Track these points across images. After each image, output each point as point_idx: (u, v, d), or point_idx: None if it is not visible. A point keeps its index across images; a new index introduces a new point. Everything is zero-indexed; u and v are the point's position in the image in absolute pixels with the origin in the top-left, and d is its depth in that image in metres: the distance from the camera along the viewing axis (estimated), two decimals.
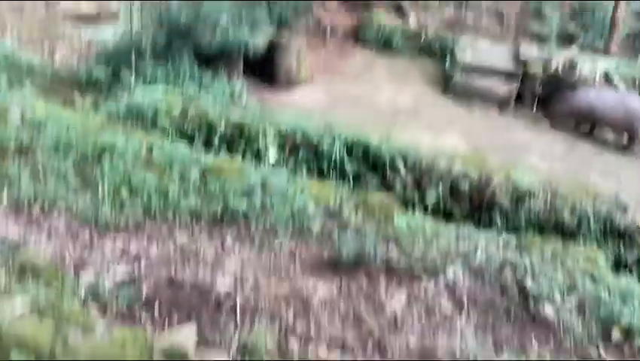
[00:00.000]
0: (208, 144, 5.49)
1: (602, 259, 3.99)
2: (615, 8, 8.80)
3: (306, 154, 5.74)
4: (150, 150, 4.72)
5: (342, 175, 5.64)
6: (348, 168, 5.71)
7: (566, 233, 4.97)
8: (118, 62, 6.86)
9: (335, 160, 5.72)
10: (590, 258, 3.96)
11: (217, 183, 4.35)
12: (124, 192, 4.16)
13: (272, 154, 5.71)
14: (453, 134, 6.65)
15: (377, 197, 4.79)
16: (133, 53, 6.70)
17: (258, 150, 5.55)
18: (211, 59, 6.83)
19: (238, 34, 6.69)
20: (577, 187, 5.50)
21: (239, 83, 6.97)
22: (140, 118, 5.67)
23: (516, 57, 8.01)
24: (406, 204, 5.18)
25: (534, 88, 7.57)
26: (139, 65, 6.71)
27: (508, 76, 7.74)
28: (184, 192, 4.27)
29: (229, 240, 3.93)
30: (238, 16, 6.85)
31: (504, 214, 5.25)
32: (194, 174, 4.46)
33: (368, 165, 5.82)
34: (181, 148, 4.84)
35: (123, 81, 6.57)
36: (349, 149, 5.81)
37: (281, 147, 5.63)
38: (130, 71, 6.64)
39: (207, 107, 5.86)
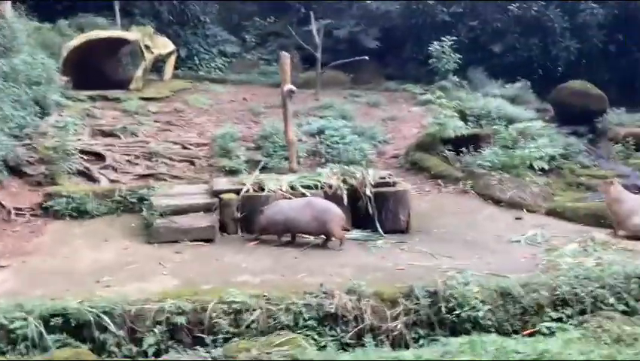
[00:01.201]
0: None
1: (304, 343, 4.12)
2: (286, 133, 9.83)
3: None
4: None
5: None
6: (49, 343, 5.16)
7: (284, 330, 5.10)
8: None
9: (32, 338, 5.13)
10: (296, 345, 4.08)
11: None
12: None
13: None
14: (163, 276, 6.47)
15: None
16: None
17: None
18: None
19: None
20: (286, 290, 5.72)
21: None
22: None
23: (211, 192, 8.35)
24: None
25: (232, 214, 7.90)
26: None
27: (206, 210, 7.97)
28: None
29: None
30: None
31: (224, 333, 5.23)
32: None
33: (74, 333, 5.34)
34: None
35: None
36: (47, 322, 5.27)
37: None
38: None
39: None
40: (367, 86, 16.75)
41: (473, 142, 11.07)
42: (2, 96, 9.51)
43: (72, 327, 5.28)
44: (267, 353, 4.43)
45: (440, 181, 10.36)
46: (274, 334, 4.94)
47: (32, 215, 8.47)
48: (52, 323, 5.22)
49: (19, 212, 8.43)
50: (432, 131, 11.21)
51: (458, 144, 11.03)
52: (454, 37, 15.00)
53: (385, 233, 8.01)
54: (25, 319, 5.14)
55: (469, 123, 12.09)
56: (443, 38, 14.77)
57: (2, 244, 7.48)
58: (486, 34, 17.59)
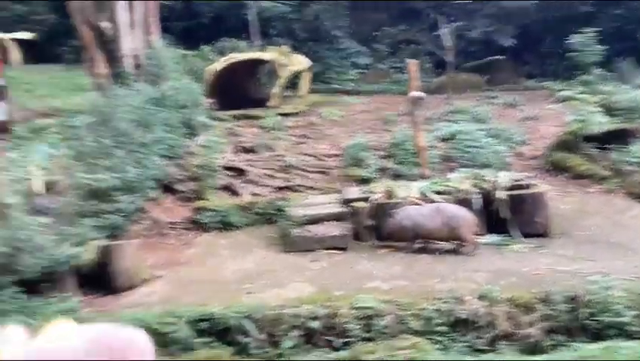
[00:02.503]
0: None
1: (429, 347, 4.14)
2: (415, 139, 9.85)
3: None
4: None
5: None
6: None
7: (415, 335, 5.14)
8: None
9: (182, 341, 5.62)
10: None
11: None
12: None
13: None
14: (299, 283, 6.77)
15: None
16: None
17: None
18: (39, 282, 6.62)
19: (59, 254, 6.63)
20: (417, 296, 5.76)
21: (74, 299, 6.75)
22: None
23: (343, 201, 8.58)
24: None
25: (364, 222, 8.06)
26: None
27: (339, 219, 8.21)
28: None
29: None
30: (60, 235, 6.85)
31: (355, 337, 5.37)
32: None
33: (219, 337, 5.77)
34: None
35: None
36: (195, 326, 5.75)
37: None
38: None
39: None
40: (503, 86, 16.24)
41: (620, 138, 10.33)
42: (155, 121, 10.46)
43: (218, 331, 5.72)
44: (391, 355, 4.52)
45: (583, 181, 9.80)
46: (399, 338, 5.01)
47: (183, 228, 9.22)
48: (200, 327, 5.69)
49: (173, 226, 9.21)
50: (573, 129, 10.64)
51: (603, 140, 10.35)
52: (596, 29, 14.11)
53: (521, 237, 7.74)
54: (176, 323, 5.65)
55: (615, 118, 11.31)
56: (584, 30, 13.95)
57: (158, 256, 8.21)
58: (632, 23, 16.35)
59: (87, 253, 7.08)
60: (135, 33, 12.06)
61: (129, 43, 11.95)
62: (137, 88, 11.02)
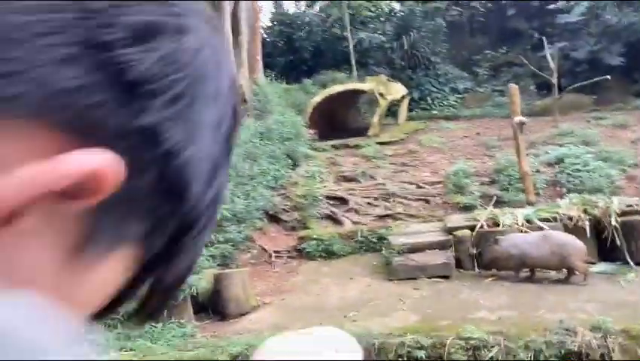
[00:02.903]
0: None
1: None
2: (520, 164, 9.66)
3: None
4: None
5: None
6: None
7: None
8: None
9: None
10: None
11: None
12: None
13: None
14: (402, 311, 6.81)
15: None
16: None
17: None
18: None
19: None
20: (525, 327, 5.66)
21: (190, 324, 7.15)
22: None
23: (445, 229, 8.55)
24: None
25: (467, 250, 7.99)
26: None
27: (441, 247, 8.19)
28: None
29: None
30: None
31: None
32: None
33: None
34: None
35: None
36: None
37: None
38: None
39: None
40: (612, 107, 15.55)
41: None
42: (260, 153, 10.95)
43: None
44: None
45: None
46: None
47: (288, 257, 9.52)
48: None
49: (278, 255, 9.54)
50: None
51: None
52: None
53: (636, 265, 7.37)
54: None
55: None
56: None
57: (265, 284, 8.54)
58: None
59: (202, 281, 7.49)
60: (241, 71, 12.71)
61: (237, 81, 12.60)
62: (243, 123, 11.59)
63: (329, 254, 9.28)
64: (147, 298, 0.45)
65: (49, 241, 0.36)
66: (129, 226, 0.39)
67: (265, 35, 18.64)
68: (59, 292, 0.37)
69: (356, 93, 15.77)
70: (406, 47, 18.43)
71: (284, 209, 10.59)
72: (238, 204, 9.24)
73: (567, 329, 5.49)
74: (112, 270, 0.40)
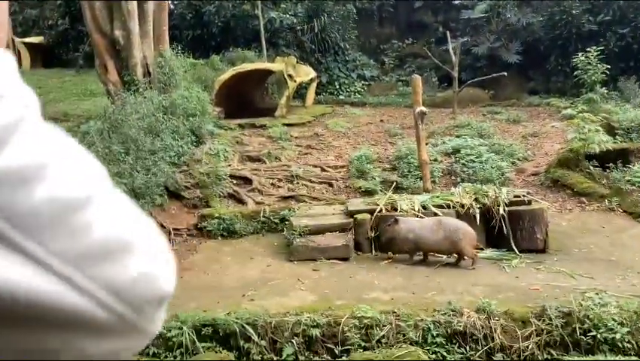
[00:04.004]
0: None
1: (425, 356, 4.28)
2: (419, 152, 10.00)
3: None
4: None
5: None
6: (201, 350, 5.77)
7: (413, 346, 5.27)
8: None
9: (186, 345, 5.77)
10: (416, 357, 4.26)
11: None
12: None
13: None
14: (301, 292, 6.92)
15: None
16: None
17: None
18: None
19: None
20: (416, 307, 5.90)
21: None
22: None
23: (346, 212, 8.73)
24: None
25: (366, 234, 8.21)
26: None
27: (342, 230, 8.36)
28: None
29: None
30: None
31: (354, 346, 5.49)
32: None
33: (222, 342, 5.92)
34: None
35: None
36: (199, 331, 5.90)
37: None
38: None
39: None
40: (508, 102, 16.43)
41: (621, 157, 10.49)
42: (163, 128, 10.67)
43: (220, 336, 5.88)
44: None
45: (583, 199, 9.94)
46: (396, 347, 5.16)
47: (188, 235, 9.39)
48: (203, 332, 5.85)
49: (178, 232, 9.38)
50: (575, 147, 10.78)
51: (604, 159, 10.50)
52: (601, 47, 14.27)
53: (520, 252, 7.87)
54: (180, 328, 5.81)
55: (617, 137, 11.48)
56: (589, 49, 14.12)
57: None
58: (638, 42, 16.52)
59: None
60: (146, 42, 12.28)
61: (140, 52, 12.17)
62: (147, 96, 11.23)
63: (230, 233, 9.24)
64: None
65: None
66: None
67: (172, 7, 18.07)
68: None
69: (265, 73, 15.69)
70: (316, 31, 18.50)
71: (186, 186, 10.40)
72: (137, 178, 8.98)
73: (454, 310, 5.79)
74: None
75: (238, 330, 5.85)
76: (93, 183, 0.52)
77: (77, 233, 0.48)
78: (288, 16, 18.66)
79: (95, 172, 0.53)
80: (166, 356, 5.78)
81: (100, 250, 0.49)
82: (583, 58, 13.96)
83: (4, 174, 0.45)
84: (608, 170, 10.45)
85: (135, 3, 12.02)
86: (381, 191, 9.99)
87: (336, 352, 5.61)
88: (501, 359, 5.54)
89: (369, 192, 10.09)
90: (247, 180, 10.86)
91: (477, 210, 8.13)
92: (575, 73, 14.36)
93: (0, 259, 0.45)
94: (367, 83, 19.06)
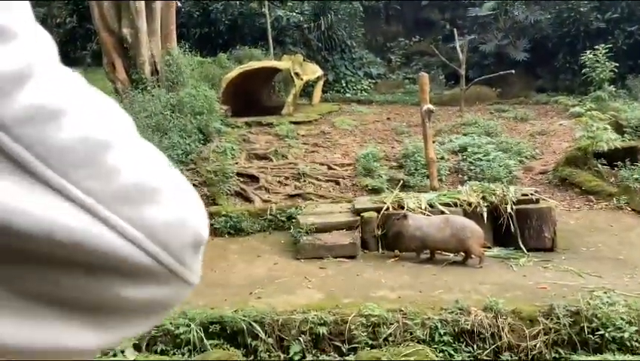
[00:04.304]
0: None
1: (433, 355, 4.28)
2: (426, 151, 9.99)
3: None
4: None
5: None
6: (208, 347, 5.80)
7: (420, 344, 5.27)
8: None
9: (194, 342, 5.79)
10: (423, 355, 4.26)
11: None
12: None
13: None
14: (308, 290, 6.92)
15: None
16: None
17: None
18: None
19: None
20: (423, 305, 5.90)
21: None
22: None
23: (353, 210, 8.73)
24: None
25: (373, 232, 8.21)
26: None
27: (349, 228, 8.37)
28: None
29: None
30: None
31: (361, 344, 5.50)
32: None
33: (229, 339, 5.94)
34: None
35: None
36: (206, 328, 5.92)
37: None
38: None
39: None
40: (515, 100, 16.37)
41: (629, 155, 10.43)
42: (171, 126, 10.70)
43: (228, 333, 5.90)
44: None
45: (591, 197, 9.90)
46: (403, 345, 5.16)
47: None
48: (211, 330, 5.87)
49: None
50: (583, 145, 10.74)
51: (613, 157, 10.45)
52: (609, 45, 14.20)
53: (528, 251, 7.84)
54: (188, 325, 5.83)
55: (626, 135, 11.42)
56: (597, 46, 14.05)
57: None
58: None
59: None
60: (154, 40, 12.31)
61: (148, 50, 12.21)
62: (154, 94, 11.26)
63: (237, 231, 9.25)
64: None
65: None
66: None
67: (180, 5, 18.11)
68: None
69: (272, 71, 15.69)
70: (323, 29, 18.49)
71: (194, 184, 10.33)
72: None
73: (461, 309, 5.79)
74: None
75: (245, 328, 5.87)
76: (122, 126, 0.52)
77: (111, 173, 0.47)
78: (294, 14, 18.66)
79: (123, 117, 0.53)
80: (174, 354, 5.81)
81: (134, 192, 0.48)
82: (591, 56, 13.91)
83: (33, 108, 0.44)
84: (616, 168, 10.40)
85: (142, 1, 12.05)
86: (388, 189, 9.97)
87: (344, 350, 5.62)
88: (509, 358, 5.53)
89: (376, 191, 10.08)
90: (254, 178, 10.88)
91: (485, 209, 8.11)
92: (583, 71, 14.31)
93: (34, 198, 0.43)
94: (373, 81, 19.04)
